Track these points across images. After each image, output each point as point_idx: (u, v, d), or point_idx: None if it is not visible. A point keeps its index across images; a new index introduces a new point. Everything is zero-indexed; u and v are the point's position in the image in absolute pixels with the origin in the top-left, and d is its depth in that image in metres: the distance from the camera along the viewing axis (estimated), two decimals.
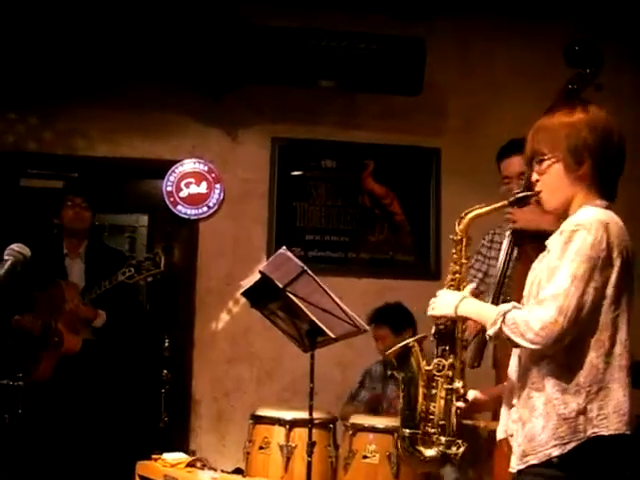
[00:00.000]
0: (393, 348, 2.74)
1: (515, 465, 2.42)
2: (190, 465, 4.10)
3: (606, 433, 2.29)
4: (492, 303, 3.45)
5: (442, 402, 2.60)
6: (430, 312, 2.59)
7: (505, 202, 2.65)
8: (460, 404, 2.58)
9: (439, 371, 2.61)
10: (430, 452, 2.62)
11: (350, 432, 4.28)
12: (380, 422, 4.24)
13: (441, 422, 2.60)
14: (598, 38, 4.45)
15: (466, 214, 2.66)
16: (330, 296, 3.81)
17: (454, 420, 2.60)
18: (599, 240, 2.30)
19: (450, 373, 2.60)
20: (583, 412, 2.30)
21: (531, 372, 2.40)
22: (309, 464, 3.91)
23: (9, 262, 2.91)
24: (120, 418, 5.00)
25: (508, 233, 3.70)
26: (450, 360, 2.61)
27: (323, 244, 5.95)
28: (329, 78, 5.68)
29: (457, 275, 2.67)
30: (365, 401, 5.06)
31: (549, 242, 2.46)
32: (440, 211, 5.98)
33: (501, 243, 3.96)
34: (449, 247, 2.75)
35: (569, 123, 2.47)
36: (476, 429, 3.57)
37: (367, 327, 3.96)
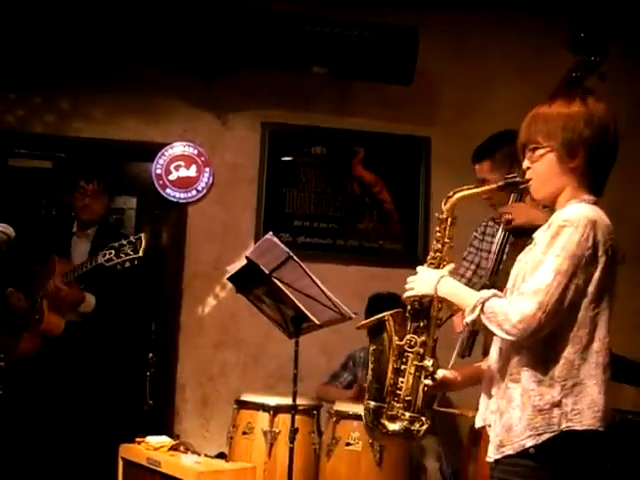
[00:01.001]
0: (366, 321, 2.73)
1: (492, 455, 2.43)
2: (173, 449, 4.09)
3: (579, 428, 2.30)
4: None
5: (410, 378, 2.59)
6: (410, 292, 2.57)
7: (494, 185, 2.64)
8: (428, 382, 2.56)
9: (410, 347, 2.60)
10: (394, 426, 2.61)
11: (334, 419, 4.30)
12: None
13: (407, 398, 2.59)
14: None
15: (454, 193, 2.64)
16: (315, 283, 3.81)
17: (421, 397, 2.59)
18: (585, 237, 2.30)
19: (421, 350, 2.59)
20: (558, 405, 2.30)
21: (510, 363, 2.41)
22: (291, 450, 3.93)
23: None
24: (105, 400, 4.99)
25: (502, 225, 3.70)
26: (423, 337, 2.59)
27: (312, 230, 5.94)
28: (322, 64, 5.65)
29: (438, 254, 2.65)
30: (345, 384, 5.07)
31: (536, 235, 2.47)
32: (429, 200, 5.98)
33: (493, 236, 3.97)
34: (449, 232, 2.70)
35: (567, 114, 2.46)
36: (460, 418, 3.59)
37: (352, 314, 3.96)
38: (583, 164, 2.44)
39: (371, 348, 2.70)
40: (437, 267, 2.62)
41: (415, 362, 2.60)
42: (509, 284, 2.52)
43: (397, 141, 6.08)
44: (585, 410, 2.31)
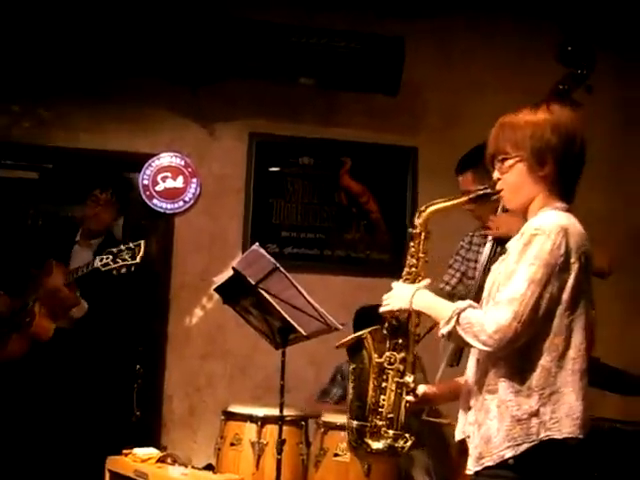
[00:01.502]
0: (345, 340, 2.72)
1: (472, 467, 2.42)
2: (161, 460, 4.07)
3: (559, 437, 2.29)
4: None
5: (392, 395, 2.58)
6: (385, 308, 2.55)
7: (466, 198, 2.63)
8: (410, 398, 2.56)
9: (390, 364, 2.58)
10: (377, 445, 2.60)
11: (322, 430, 4.30)
12: None
13: (390, 415, 2.58)
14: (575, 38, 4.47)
15: (426, 207, 2.63)
16: (302, 293, 3.81)
17: (403, 414, 2.58)
18: (558, 245, 2.29)
19: (401, 367, 2.57)
20: (536, 414, 2.30)
21: (488, 375, 2.40)
22: (279, 462, 3.93)
23: None
24: (92, 412, 4.97)
25: (490, 238, 3.71)
26: (402, 354, 2.58)
27: (299, 241, 5.94)
28: (308, 75, 5.67)
29: (413, 269, 2.63)
30: (336, 399, 5.05)
31: (509, 245, 2.47)
32: (416, 210, 5.96)
33: (479, 245, 3.98)
34: (423, 247, 2.69)
35: (533, 123, 2.46)
36: (449, 428, 3.58)
37: (339, 325, 3.95)
38: (553, 172, 2.44)
39: (351, 367, 2.69)
40: (413, 282, 2.60)
41: (396, 379, 2.59)
42: (484, 294, 2.51)
43: (384, 151, 6.09)
44: (564, 418, 2.30)
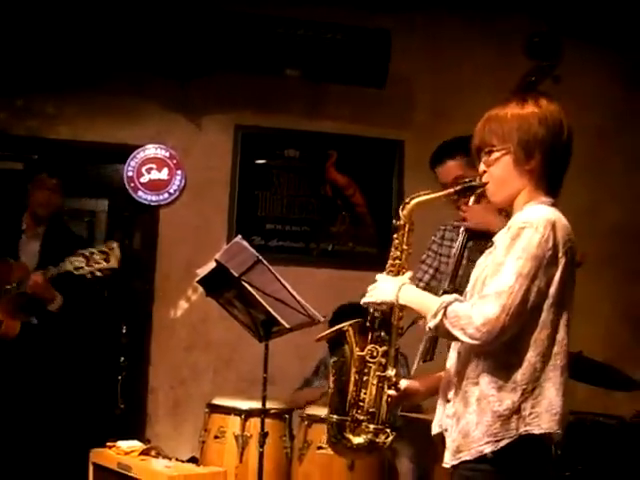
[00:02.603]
0: (325, 332, 2.70)
1: (449, 461, 2.41)
2: (144, 453, 4.05)
3: (537, 432, 2.29)
4: None
5: (373, 389, 2.55)
6: (368, 299, 2.52)
7: (451, 190, 2.61)
8: (392, 392, 2.53)
9: (372, 357, 2.56)
10: (358, 440, 2.58)
11: (305, 423, 4.29)
12: None
13: (371, 410, 2.55)
14: (564, 35, 4.48)
15: (411, 199, 2.59)
16: (284, 286, 3.80)
17: (384, 408, 2.55)
18: (546, 239, 2.29)
19: (383, 360, 2.55)
20: (517, 410, 2.29)
21: (469, 368, 2.39)
22: (261, 454, 3.93)
23: None
24: (75, 405, 4.95)
25: (462, 229, 3.70)
26: (384, 347, 2.55)
27: (284, 234, 5.93)
28: (295, 67, 5.65)
29: (397, 261, 2.60)
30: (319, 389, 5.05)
31: (496, 238, 2.46)
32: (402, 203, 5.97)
33: (452, 240, 3.97)
34: (407, 239, 2.66)
35: (521, 115, 2.45)
36: (430, 422, 3.58)
37: (321, 318, 3.94)
38: (539, 165, 2.43)
39: (331, 360, 2.66)
40: (397, 274, 2.57)
41: (377, 373, 2.56)
42: (469, 287, 2.50)
43: (370, 144, 6.09)
44: (543, 413, 2.30)
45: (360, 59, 5.52)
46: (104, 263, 4.45)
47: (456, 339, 2.33)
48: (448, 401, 2.48)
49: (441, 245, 4.08)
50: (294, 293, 3.80)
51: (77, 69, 5.63)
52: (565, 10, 5.69)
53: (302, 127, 6.01)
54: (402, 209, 2.62)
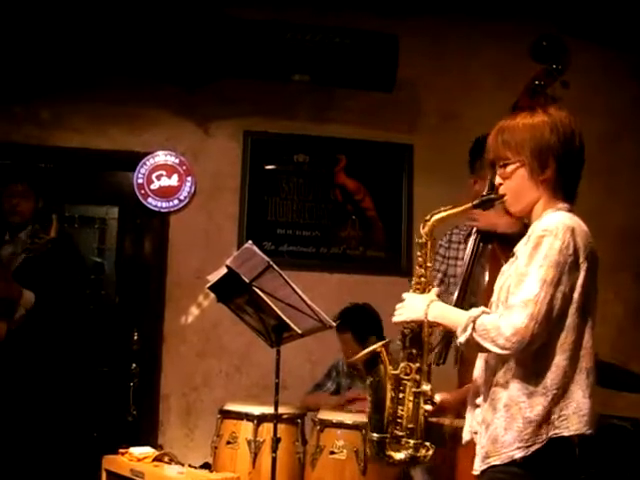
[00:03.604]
0: (359, 355, 2.72)
1: (478, 467, 2.42)
2: (157, 459, 4.06)
3: (567, 434, 2.31)
4: (456, 302, 3.47)
5: (410, 405, 2.58)
6: (399, 318, 2.56)
7: (470, 204, 2.62)
8: (428, 407, 2.56)
9: (406, 375, 2.59)
10: (399, 455, 2.60)
11: (318, 428, 4.29)
12: (348, 418, 4.25)
13: (409, 425, 2.58)
14: (571, 36, 4.47)
15: (431, 216, 2.63)
16: (295, 291, 3.81)
17: (422, 423, 2.58)
18: (566, 245, 2.30)
19: (417, 377, 2.58)
20: (548, 415, 2.30)
21: (497, 374, 2.41)
22: (274, 460, 3.92)
23: None
24: (88, 411, 4.96)
25: (474, 231, 3.69)
26: (417, 364, 2.59)
27: (294, 239, 5.93)
28: (303, 72, 5.66)
29: (423, 279, 2.63)
30: (330, 393, 5.05)
31: (517, 249, 2.47)
32: (412, 208, 5.99)
33: (459, 243, 3.97)
34: (430, 255, 2.69)
35: (532, 125, 2.46)
36: (441, 426, 3.58)
37: (333, 323, 3.98)
38: (554, 174, 2.45)
39: (368, 380, 2.69)
40: (423, 292, 2.61)
41: (413, 389, 2.59)
42: (493, 297, 2.52)
43: (379, 148, 6.09)
44: (572, 415, 2.31)
45: (368, 63, 5.53)
46: (45, 236, 4.51)
47: (488, 351, 2.34)
48: (477, 407, 2.50)
49: (448, 248, 4.08)
50: (305, 298, 3.80)
51: (86, 77, 5.66)
52: (573, 11, 5.67)
53: (311, 132, 6.02)
54: (423, 227, 2.66)
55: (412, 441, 2.59)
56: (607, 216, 5.84)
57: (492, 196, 2.58)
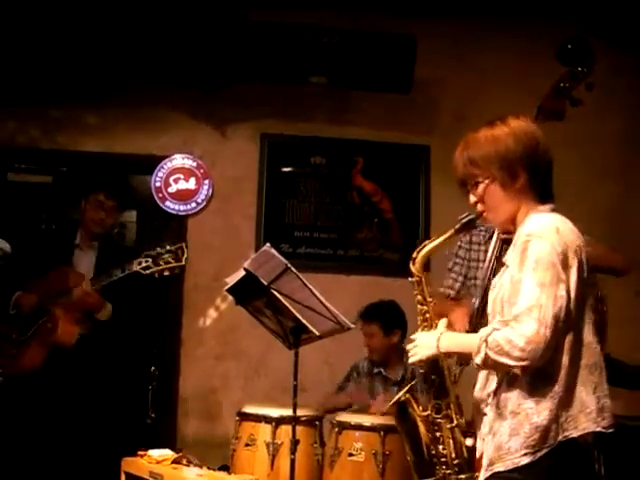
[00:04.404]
0: (388, 406, 2.76)
1: (482, 477, 2.41)
2: (176, 462, 4.06)
3: (576, 434, 2.29)
4: (478, 307, 3.43)
5: (450, 442, 2.60)
6: (414, 358, 2.57)
7: (452, 231, 2.63)
8: (469, 442, 2.58)
9: (438, 413, 2.61)
10: None
11: (336, 430, 4.27)
12: (366, 420, 4.24)
13: (455, 462, 2.60)
14: (589, 36, 4.44)
15: (418, 252, 2.66)
16: (313, 293, 3.80)
17: (466, 456, 2.59)
18: (554, 244, 2.30)
19: (449, 412, 2.60)
20: (555, 418, 2.29)
21: (502, 382, 2.39)
22: (292, 462, 3.92)
23: None
24: (107, 414, 4.96)
25: (497, 232, 3.66)
26: (445, 399, 2.61)
27: (312, 241, 5.94)
28: (320, 74, 5.67)
29: (427, 315, 2.66)
30: (351, 394, 5.03)
31: (506, 258, 2.46)
32: (429, 209, 5.98)
33: (479, 244, 3.93)
34: (427, 290, 2.72)
35: (495, 138, 2.47)
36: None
37: (351, 325, 3.97)
38: (527, 181, 2.44)
39: (402, 429, 2.72)
40: (430, 327, 2.63)
41: (448, 425, 2.61)
42: (489, 310, 2.52)
43: (396, 150, 6.08)
44: (577, 415, 2.30)
45: (385, 65, 5.52)
46: (173, 262, 4.54)
47: (506, 367, 2.30)
48: (484, 415, 2.48)
49: (469, 250, 4.02)
50: (323, 300, 3.80)
51: (103, 82, 5.68)
52: (594, 12, 5.64)
53: (328, 134, 6.02)
54: (412, 264, 2.68)
55: (463, 476, 2.60)
56: (626, 216, 5.80)
57: (471, 217, 2.58)
